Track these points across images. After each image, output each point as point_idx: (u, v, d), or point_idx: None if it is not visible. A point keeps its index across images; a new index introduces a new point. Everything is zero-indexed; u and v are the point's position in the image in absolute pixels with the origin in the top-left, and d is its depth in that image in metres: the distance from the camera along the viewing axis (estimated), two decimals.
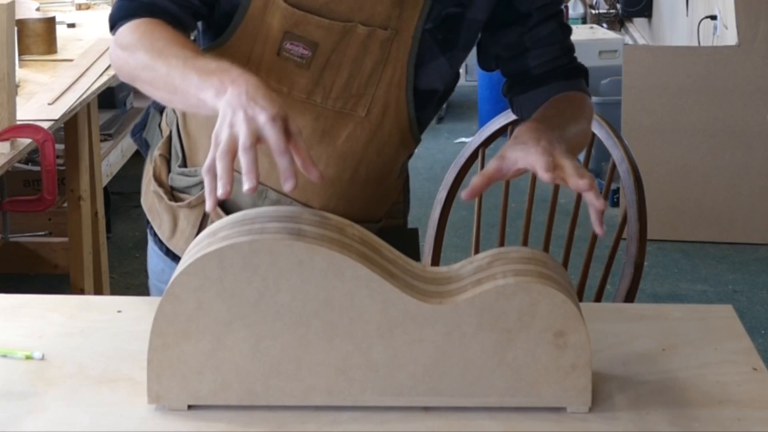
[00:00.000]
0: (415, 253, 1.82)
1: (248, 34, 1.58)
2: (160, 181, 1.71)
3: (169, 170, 1.72)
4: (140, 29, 1.51)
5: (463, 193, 1.42)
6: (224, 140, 1.31)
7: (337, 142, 1.62)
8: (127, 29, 1.53)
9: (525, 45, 1.66)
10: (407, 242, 1.80)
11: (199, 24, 1.65)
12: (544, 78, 1.67)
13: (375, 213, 1.72)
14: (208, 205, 1.31)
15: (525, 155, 1.43)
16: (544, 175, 1.40)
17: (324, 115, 1.60)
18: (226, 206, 1.63)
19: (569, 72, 1.69)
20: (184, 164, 1.70)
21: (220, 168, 1.29)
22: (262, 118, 1.31)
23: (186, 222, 1.69)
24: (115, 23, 1.56)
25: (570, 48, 1.70)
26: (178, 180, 1.70)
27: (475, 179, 1.43)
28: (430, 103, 1.68)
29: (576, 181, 1.39)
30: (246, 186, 1.28)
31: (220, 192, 1.29)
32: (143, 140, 1.81)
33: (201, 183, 1.63)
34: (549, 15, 1.66)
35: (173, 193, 1.70)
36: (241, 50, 1.58)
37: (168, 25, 1.53)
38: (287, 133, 1.33)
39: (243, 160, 1.29)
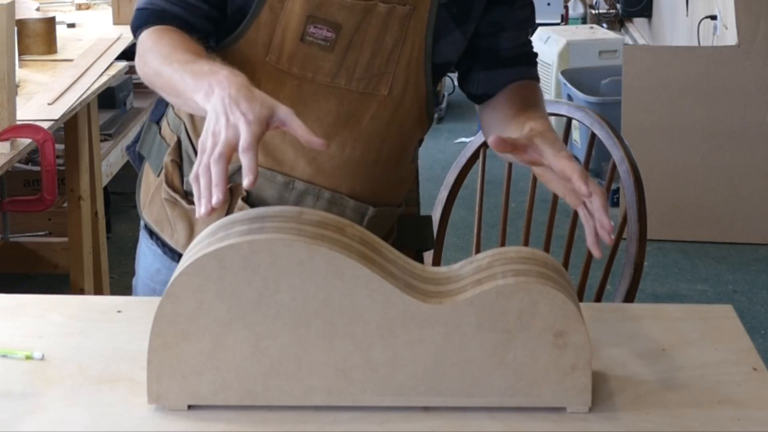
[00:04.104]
0: (430, 240, 1.85)
1: (268, 23, 1.59)
2: (174, 186, 1.71)
3: (181, 175, 1.72)
4: (152, 37, 1.56)
5: (491, 140, 1.44)
6: (207, 150, 1.34)
7: (362, 124, 1.64)
8: (143, 37, 1.58)
9: (503, 24, 1.71)
10: (423, 229, 1.82)
11: None
12: (512, 60, 1.72)
13: (397, 196, 1.75)
14: (198, 212, 1.33)
15: (554, 155, 1.46)
16: (581, 187, 1.41)
17: (348, 98, 1.62)
18: (250, 200, 1.64)
19: (531, 58, 1.75)
20: None
21: (203, 184, 1.32)
22: (242, 126, 1.33)
23: (204, 225, 1.68)
24: (134, 33, 1.61)
25: (531, 33, 1.78)
26: None
27: (510, 138, 1.47)
28: (444, 75, 1.73)
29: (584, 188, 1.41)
30: (214, 199, 1.31)
31: (214, 201, 1.32)
32: (137, 154, 1.81)
33: None
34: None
35: (188, 198, 1.70)
36: (260, 40, 1.60)
37: (178, 31, 1.57)
38: (278, 123, 1.36)
39: (213, 170, 1.32)
